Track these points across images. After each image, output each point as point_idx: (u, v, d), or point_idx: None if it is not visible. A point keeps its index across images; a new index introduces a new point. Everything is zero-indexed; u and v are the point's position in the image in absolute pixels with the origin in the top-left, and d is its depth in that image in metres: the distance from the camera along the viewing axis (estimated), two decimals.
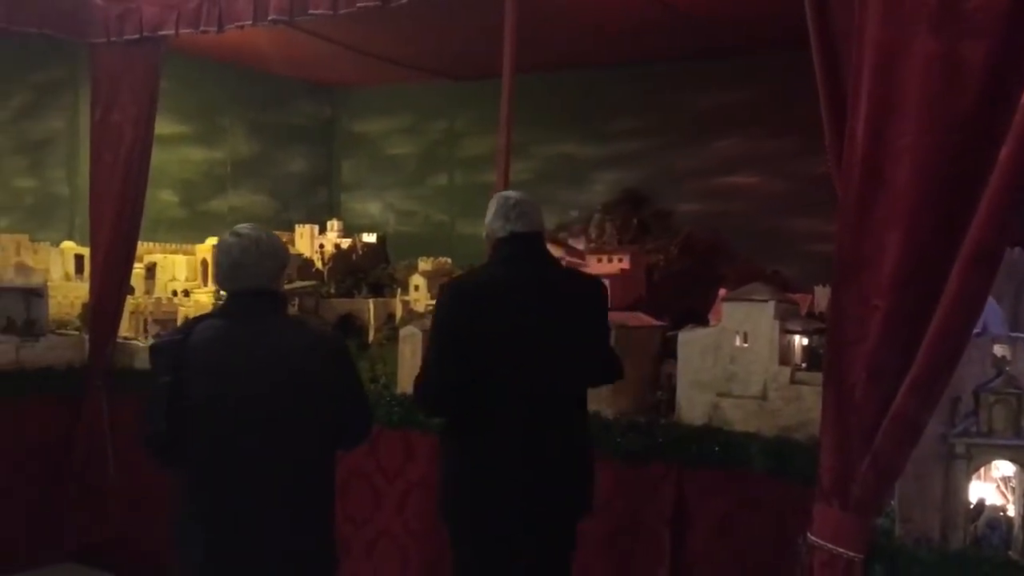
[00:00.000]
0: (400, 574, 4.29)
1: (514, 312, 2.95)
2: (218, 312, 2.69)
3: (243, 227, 2.68)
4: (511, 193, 3.15)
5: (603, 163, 6.56)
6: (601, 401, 3.95)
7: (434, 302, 5.15)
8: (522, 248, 3.03)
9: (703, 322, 4.08)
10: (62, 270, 5.95)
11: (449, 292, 3.04)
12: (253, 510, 2.50)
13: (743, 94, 6.00)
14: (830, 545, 2.29)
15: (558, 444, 3.01)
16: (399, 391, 4.42)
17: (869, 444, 2.23)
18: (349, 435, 2.73)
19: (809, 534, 2.37)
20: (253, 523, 2.49)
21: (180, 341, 2.50)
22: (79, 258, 5.92)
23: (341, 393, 2.63)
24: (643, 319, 4.21)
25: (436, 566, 4.04)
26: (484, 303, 2.95)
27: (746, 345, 3.58)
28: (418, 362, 4.41)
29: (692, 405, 3.69)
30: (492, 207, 3.09)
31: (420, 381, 3.04)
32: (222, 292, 2.78)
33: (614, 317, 4.13)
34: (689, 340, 3.76)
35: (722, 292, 4.15)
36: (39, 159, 6.58)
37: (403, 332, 4.50)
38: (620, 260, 5.42)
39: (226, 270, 2.61)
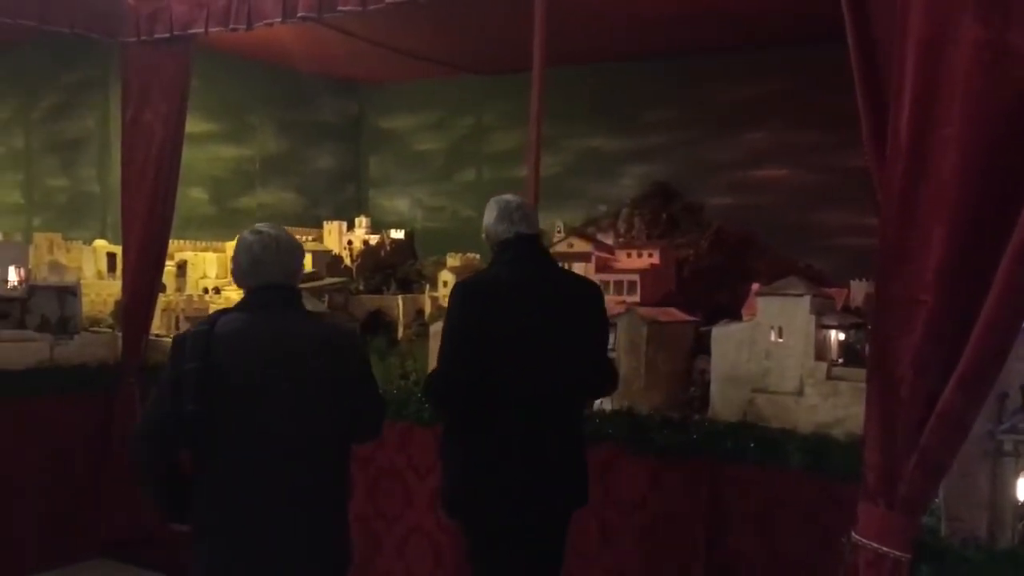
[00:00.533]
0: (433, 570, 4.28)
1: (521, 312, 3.04)
2: (240, 306, 2.71)
3: (262, 225, 2.75)
4: (510, 197, 3.23)
5: (632, 157, 6.52)
6: (634, 397, 3.93)
7: None
8: (527, 249, 3.14)
9: (736, 317, 4.04)
10: (95, 268, 6.01)
11: (460, 292, 3.10)
12: (272, 497, 2.52)
13: (773, 86, 5.95)
14: (875, 544, 2.25)
15: (556, 443, 3.09)
16: None
17: (916, 441, 2.18)
18: (362, 427, 2.77)
19: (854, 533, 2.33)
20: (271, 510, 2.52)
21: (207, 332, 2.55)
22: (111, 256, 5.98)
23: (355, 385, 2.69)
24: (675, 314, 4.18)
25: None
26: (493, 302, 3.03)
27: (781, 340, 3.54)
28: None
29: (726, 401, 3.65)
30: (493, 211, 3.18)
31: (432, 376, 3.16)
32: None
33: (647, 312, 4.11)
34: (723, 335, 3.71)
35: (755, 287, 4.11)
36: (71, 158, 6.66)
37: (433, 328, 4.48)
38: (650, 255, 5.38)
39: (247, 267, 2.68)
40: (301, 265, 2.78)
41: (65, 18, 5.12)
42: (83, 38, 5.41)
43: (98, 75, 6.37)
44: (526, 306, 3.05)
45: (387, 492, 4.40)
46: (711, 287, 5.37)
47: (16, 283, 5.32)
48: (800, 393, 3.47)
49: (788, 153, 6.03)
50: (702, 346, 4.01)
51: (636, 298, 4.98)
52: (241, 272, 2.70)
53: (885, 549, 2.24)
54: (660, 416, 3.76)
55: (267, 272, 2.65)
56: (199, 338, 2.54)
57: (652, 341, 3.89)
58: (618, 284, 5.13)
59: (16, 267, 5.37)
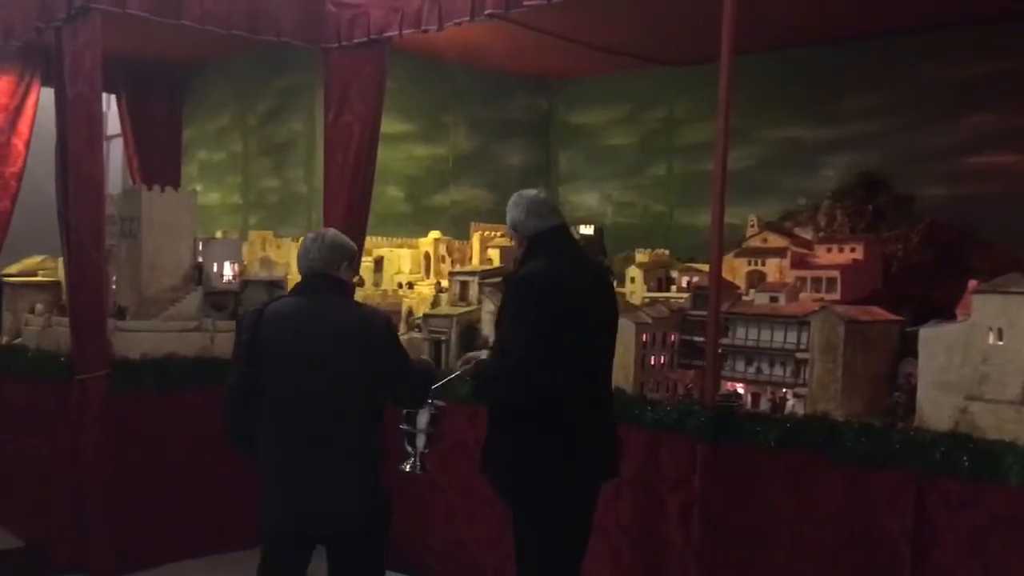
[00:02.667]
0: (612, 572, 4.20)
1: (585, 300, 3.25)
2: (292, 290, 3.41)
3: (325, 229, 3.46)
4: (531, 191, 3.41)
5: (834, 146, 6.12)
6: (830, 401, 3.68)
7: (651, 292, 5.14)
8: (568, 239, 3.38)
9: (949, 317, 3.69)
10: None
11: (524, 283, 3.20)
12: (306, 431, 3.14)
13: (1001, 64, 5.37)
14: None
15: (603, 419, 3.34)
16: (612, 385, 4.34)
17: None
18: (397, 396, 3.29)
19: None
20: (300, 454, 3.15)
21: (260, 311, 3.29)
22: None
23: (385, 362, 3.19)
24: (877, 313, 3.89)
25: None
26: (559, 291, 3.17)
27: (1001, 343, 3.20)
28: (631, 355, 4.33)
29: (936, 408, 3.35)
30: (516, 207, 3.34)
31: (509, 369, 3.13)
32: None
33: (845, 310, 3.84)
34: (932, 336, 3.41)
35: (972, 284, 3.73)
36: (282, 160, 7.09)
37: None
38: (852, 250, 5.05)
39: (300, 256, 3.35)
40: (342, 260, 3.30)
41: (272, 27, 5.43)
42: (290, 46, 5.74)
43: (305, 80, 6.73)
44: (587, 293, 3.25)
45: None
46: (923, 285, 4.97)
47: (231, 277, 5.73)
48: (1023, 402, 3.12)
49: (1018, 137, 5.44)
50: (909, 348, 3.70)
51: (836, 296, 4.68)
52: (298, 261, 3.36)
53: None
54: (859, 423, 3.51)
55: (312, 261, 3.27)
56: (252, 316, 3.30)
57: (850, 341, 3.64)
58: (816, 281, 4.84)
59: (231, 263, 5.78)
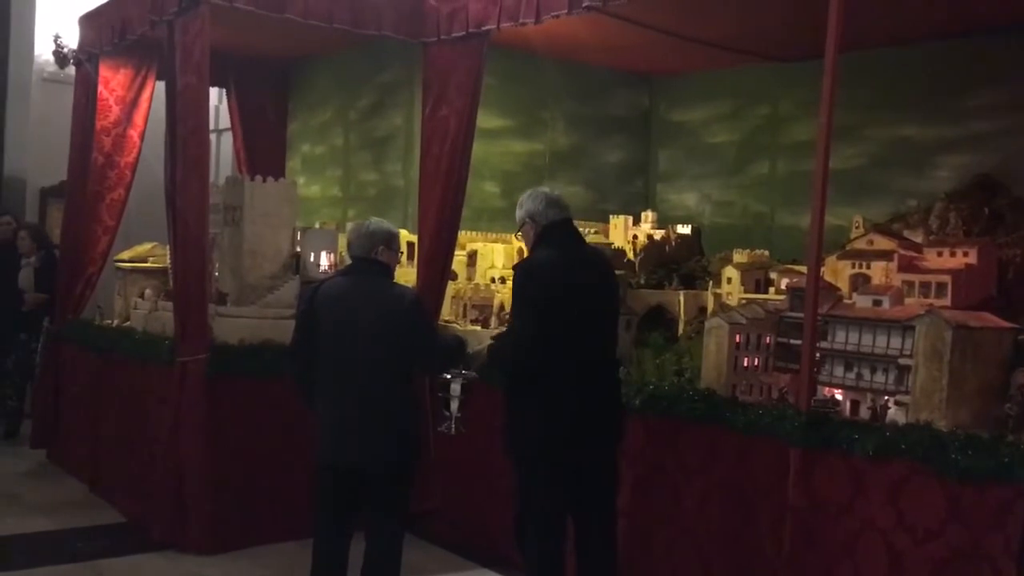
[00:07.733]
0: None
1: (575, 284, 3.65)
2: (340, 271, 4.20)
3: (371, 219, 4.01)
4: (544, 188, 3.91)
5: (950, 146, 5.81)
6: (934, 411, 3.50)
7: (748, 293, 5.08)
8: (572, 230, 3.83)
9: None
10: None
11: (524, 271, 3.74)
12: (352, 387, 3.73)
13: None
14: None
15: (599, 393, 3.72)
16: (703, 386, 4.23)
17: None
18: (418, 362, 3.89)
19: None
20: (346, 405, 3.74)
21: (316, 287, 3.98)
22: (411, 245, 6.33)
23: (414, 330, 3.76)
24: (988, 319, 3.67)
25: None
26: (555, 278, 3.65)
27: None
28: (723, 356, 4.21)
29: None
30: (539, 200, 3.78)
31: (510, 343, 3.74)
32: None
33: (953, 315, 3.65)
34: None
35: None
36: (381, 154, 7.19)
37: (708, 324, 4.30)
38: (965, 254, 4.77)
39: (347, 245, 4.11)
40: (378, 244, 3.84)
41: (373, 21, 5.52)
42: (392, 40, 5.80)
43: (405, 75, 6.80)
44: (577, 278, 3.67)
45: (656, 490, 4.27)
46: None
47: (327, 267, 5.84)
48: None
49: None
50: (1023, 358, 3.48)
51: (946, 302, 4.43)
52: (347, 249, 4.10)
53: None
54: (964, 434, 3.30)
55: (355, 248, 3.93)
56: (308, 292, 4.02)
57: (958, 348, 3.43)
58: (924, 286, 4.59)
59: (328, 252, 5.89)
